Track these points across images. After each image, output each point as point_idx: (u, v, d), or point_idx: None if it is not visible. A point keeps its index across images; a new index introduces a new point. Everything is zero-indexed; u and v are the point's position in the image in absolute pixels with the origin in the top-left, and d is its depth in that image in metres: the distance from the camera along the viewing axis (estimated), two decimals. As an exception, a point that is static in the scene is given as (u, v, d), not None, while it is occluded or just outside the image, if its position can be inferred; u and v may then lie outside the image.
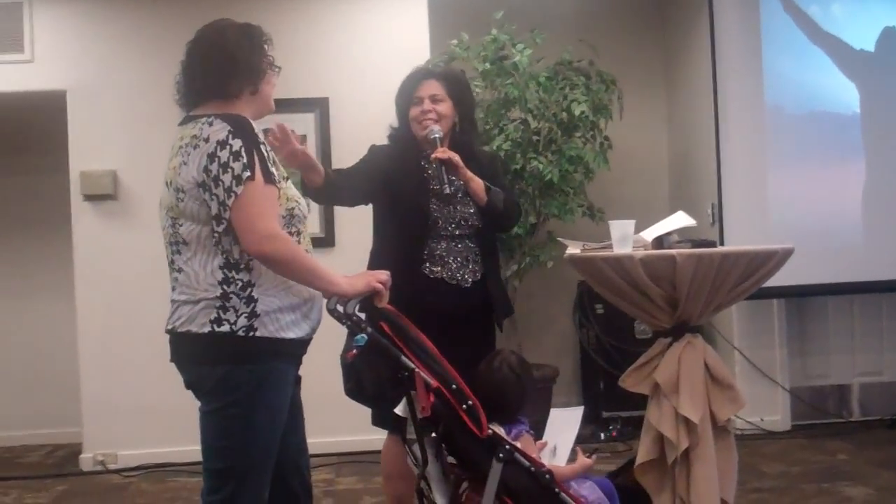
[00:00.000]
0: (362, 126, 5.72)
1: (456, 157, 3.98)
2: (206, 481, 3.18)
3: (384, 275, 3.33)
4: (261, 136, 3.12)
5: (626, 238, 3.99)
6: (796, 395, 6.87)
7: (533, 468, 3.33)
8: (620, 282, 3.89)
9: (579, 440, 3.76)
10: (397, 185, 4.06)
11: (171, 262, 3.20)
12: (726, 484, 3.90)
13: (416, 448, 3.37)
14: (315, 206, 5.51)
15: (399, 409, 3.34)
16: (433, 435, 3.28)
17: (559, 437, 3.74)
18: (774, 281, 4.22)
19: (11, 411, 7.33)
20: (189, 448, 6.13)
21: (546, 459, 3.55)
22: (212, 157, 3.00)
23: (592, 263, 4.00)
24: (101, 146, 6.56)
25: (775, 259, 3.95)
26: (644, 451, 3.94)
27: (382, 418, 4.02)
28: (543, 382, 6.51)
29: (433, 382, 3.22)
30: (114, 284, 6.54)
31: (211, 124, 3.07)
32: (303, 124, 6.55)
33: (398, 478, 4.09)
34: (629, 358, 4.60)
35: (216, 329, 3.03)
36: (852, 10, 6.71)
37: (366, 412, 3.91)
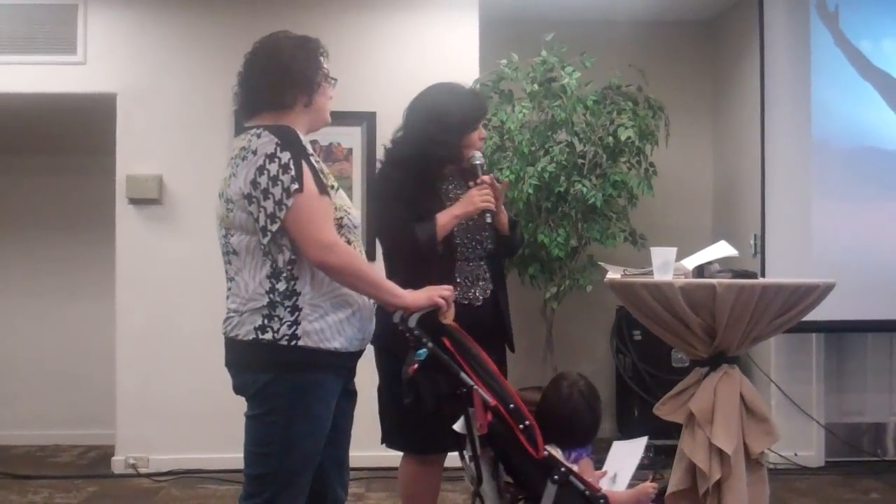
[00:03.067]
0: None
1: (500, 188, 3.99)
2: (244, 486, 3.22)
3: (447, 290, 3.32)
4: (309, 148, 3.16)
5: (668, 265, 3.98)
6: (831, 432, 6.79)
7: (587, 492, 3.28)
8: (659, 309, 3.88)
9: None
10: (422, 209, 3.93)
11: (226, 272, 3.24)
12: (757, 518, 3.88)
13: (472, 465, 3.35)
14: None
15: (457, 426, 3.32)
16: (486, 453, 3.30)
17: (620, 465, 3.67)
18: (814, 315, 4.19)
19: (46, 410, 7.37)
20: (220, 455, 6.20)
21: (606, 487, 3.50)
22: (261, 169, 3.04)
23: (632, 289, 3.99)
24: (149, 150, 6.59)
25: (816, 293, 3.93)
26: (676, 480, 3.93)
27: (393, 439, 4.01)
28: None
29: (491, 401, 3.20)
30: (154, 288, 6.57)
31: (259, 136, 3.11)
32: (349, 138, 6.59)
33: (419, 497, 4.07)
34: (665, 386, 4.59)
35: (260, 336, 3.07)
36: (904, 47, 6.66)
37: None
